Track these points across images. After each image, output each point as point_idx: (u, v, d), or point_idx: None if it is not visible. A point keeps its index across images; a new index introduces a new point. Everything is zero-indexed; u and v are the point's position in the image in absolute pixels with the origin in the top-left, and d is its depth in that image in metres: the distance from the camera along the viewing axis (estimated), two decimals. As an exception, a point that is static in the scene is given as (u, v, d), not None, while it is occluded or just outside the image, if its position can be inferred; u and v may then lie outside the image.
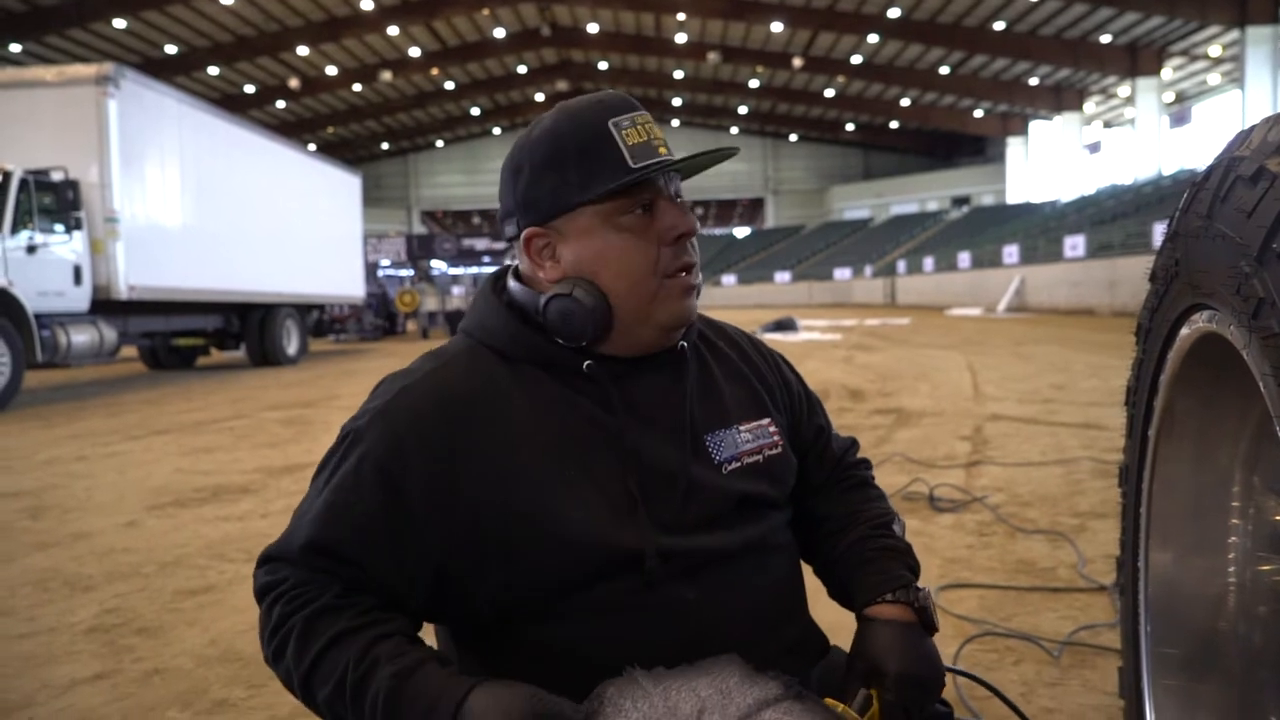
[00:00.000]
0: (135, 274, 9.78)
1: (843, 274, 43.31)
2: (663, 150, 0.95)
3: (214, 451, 5.46)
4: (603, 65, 44.79)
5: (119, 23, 30.20)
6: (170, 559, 3.10)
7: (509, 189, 0.99)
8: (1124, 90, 35.04)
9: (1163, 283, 1.01)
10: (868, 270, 41.95)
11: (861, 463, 1.20)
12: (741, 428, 1.03)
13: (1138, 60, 32.09)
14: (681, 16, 35.29)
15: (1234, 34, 27.29)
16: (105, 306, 9.66)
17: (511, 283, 1.01)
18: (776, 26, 34.58)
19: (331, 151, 41.26)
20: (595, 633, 0.90)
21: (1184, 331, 0.95)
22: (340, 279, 16.32)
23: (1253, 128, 0.79)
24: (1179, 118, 37.05)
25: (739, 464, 1.00)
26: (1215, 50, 31.36)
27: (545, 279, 0.97)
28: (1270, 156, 0.69)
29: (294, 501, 3.94)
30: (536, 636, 0.92)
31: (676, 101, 49.71)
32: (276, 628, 0.88)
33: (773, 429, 1.06)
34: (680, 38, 38.26)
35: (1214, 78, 35.32)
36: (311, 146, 32.17)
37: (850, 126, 50.83)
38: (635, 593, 0.91)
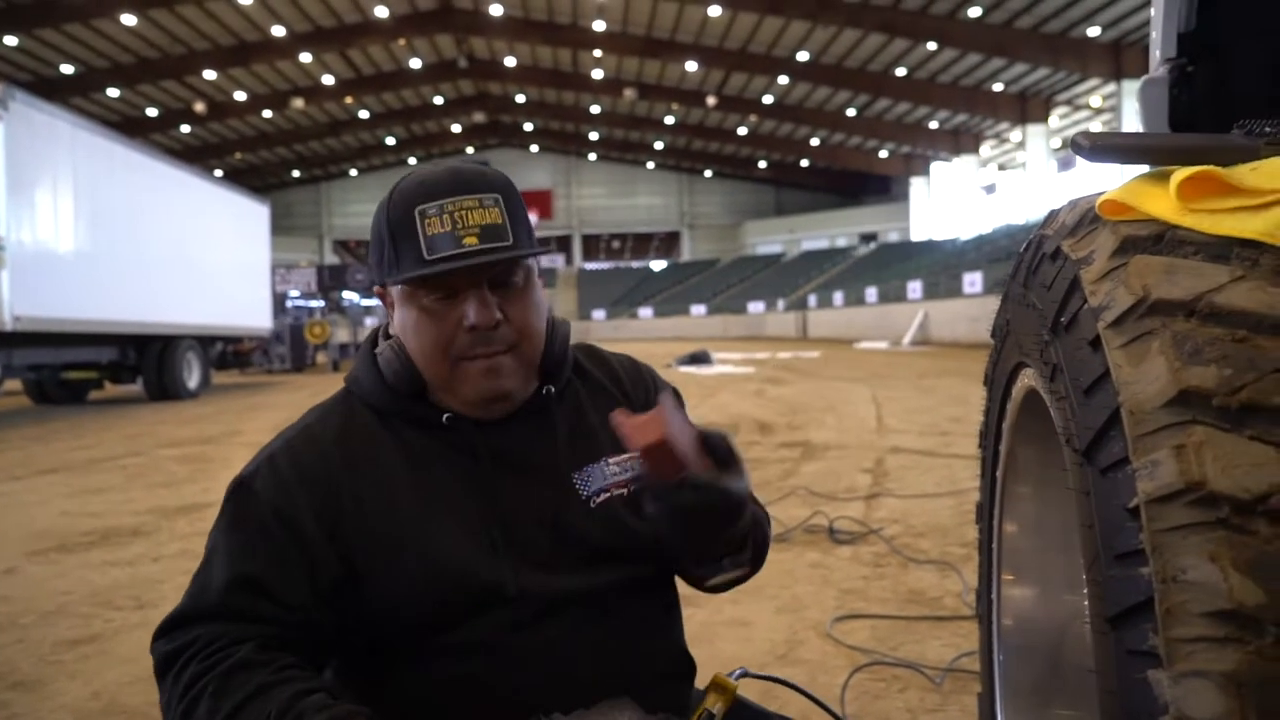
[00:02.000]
0: (22, 304, 9.29)
1: (756, 307, 44.21)
2: (469, 240, 0.94)
3: (104, 491, 5.22)
4: (520, 98, 45.00)
5: (10, 40, 28.85)
6: (52, 608, 2.96)
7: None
8: (1016, 135, 37.12)
9: (999, 339, 1.12)
10: (780, 304, 42.93)
11: None
12: (610, 460, 1.06)
13: (1027, 108, 34.10)
14: (598, 53, 35.84)
15: (1112, 86, 29.32)
16: (-12, 338, 9.16)
17: (386, 352, 1.05)
18: (691, 65, 35.46)
19: (240, 178, 40.11)
20: (467, 672, 0.95)
21: (1017, 385, 1.05)
22: (246, 310, 15.82)
23: (1060, 208, 0.89)
24: (1065, 162, 39.36)
25: (607, 494, 1.04)
26: (1096, 100, 33.63)
27: (394, 331, 1.04)
28: (1065, 238, 0.79)
29: (189, 544, 3.81)
30: (413, 676, 0.96)
31: (594, 136, 50.26)
32: (188, 688, 0.86)
33: None
34: (597, 74, 38.81)
35: (1095, 126, 37.76)
36: (218, 173, 31.32)
37: (763, 164, 52.25)
38: (502, 631, 0.95)
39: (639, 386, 1.16)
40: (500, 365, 0.98)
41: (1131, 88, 27.10)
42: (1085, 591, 1.29)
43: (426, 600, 0.94)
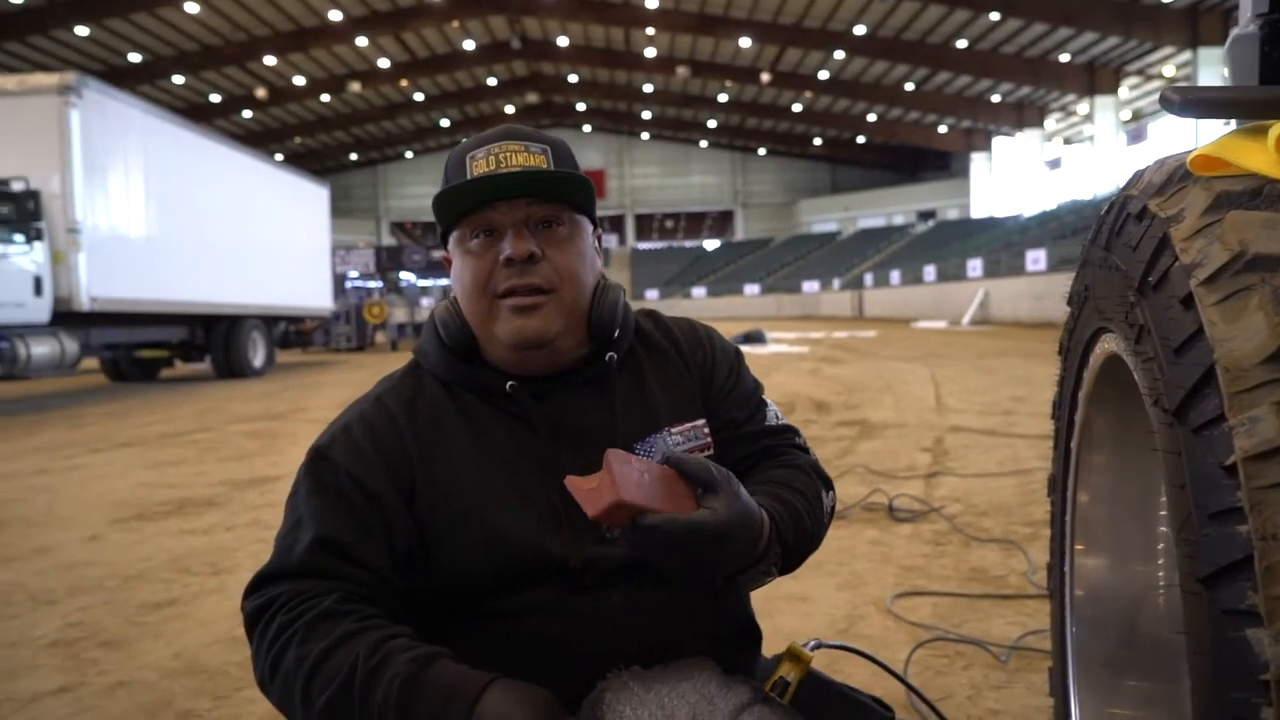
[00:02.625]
0: (98, 285, 9.65)
1: (811, 287, 43.73)
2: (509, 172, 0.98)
3: (179, 464, 5.42)
4: (573, 78, 44.98)
5: (82, 30, 29.81)
6: (134, 573, 3.09)
7: None
8: (1083, 108, 35.89)
9: (1077, 306, 1.10)
10: (835, 283, 42.41)
11: (796, 445, 1.18)
12: (673, 430, 1.05)
13: (1096, 79, 32.90)
14: (651, 31, 35.59)
15: (1186, 54, 28.10)
16: (67, 318, 9.52)
17: (440, 309, 1.09)
18: (745, 41, 35.00)
19: (299, 162, 40.93)
20: (527, 633, 0.97)
21: (1095, 352, 1.03)
22: (308, 290, 16.19)
23: (1146, 168, 0.87)
24: (1136, 135, 37.97)
25: None
26: (1169, 70, 32.26)
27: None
28: (1152, 197, 0.77)
29: (260, 515, 3.94)
30: (473, 636, 0.98)
31: (646, 115, 50.04)
32: (275, 638, 0.89)
33: (706, 430, 1.08)
34: (650, 52, 38.56)
35: (1170, 96, 36.27)
36: (279, 157, 31.90)
37: (818, 141, 51.47)
38: (562, 596, 0.97)
39: (696, 350, 1.14)
40: (534, 304, 0.98)
41: (1209, 55, 26.00)
42: (1162, 560, 1.28)
43: (489, 568, 0.97)
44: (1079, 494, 1.26)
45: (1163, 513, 1.26)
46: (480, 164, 0.99)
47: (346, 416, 1.05)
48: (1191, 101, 0.72)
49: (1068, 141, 43.27)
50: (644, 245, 59.60)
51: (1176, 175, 0.75)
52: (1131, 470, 1.19)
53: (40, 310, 9.05)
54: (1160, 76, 33.24)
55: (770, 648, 1.16)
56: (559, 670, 0.92)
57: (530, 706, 0.80)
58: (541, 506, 0.99)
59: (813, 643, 1.00)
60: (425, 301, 26.62)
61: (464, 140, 1.06)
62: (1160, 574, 1.26)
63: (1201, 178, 0.71)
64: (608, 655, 0.95)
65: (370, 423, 1.03)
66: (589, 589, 0.97)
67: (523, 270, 0.97)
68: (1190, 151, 0.74)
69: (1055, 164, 42.40)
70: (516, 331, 0.98)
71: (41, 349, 8.99)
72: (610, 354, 1.06)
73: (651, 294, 48.43)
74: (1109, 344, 0.95)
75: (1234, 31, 1.11)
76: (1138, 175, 0.87)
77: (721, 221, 60.90)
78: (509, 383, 1.02)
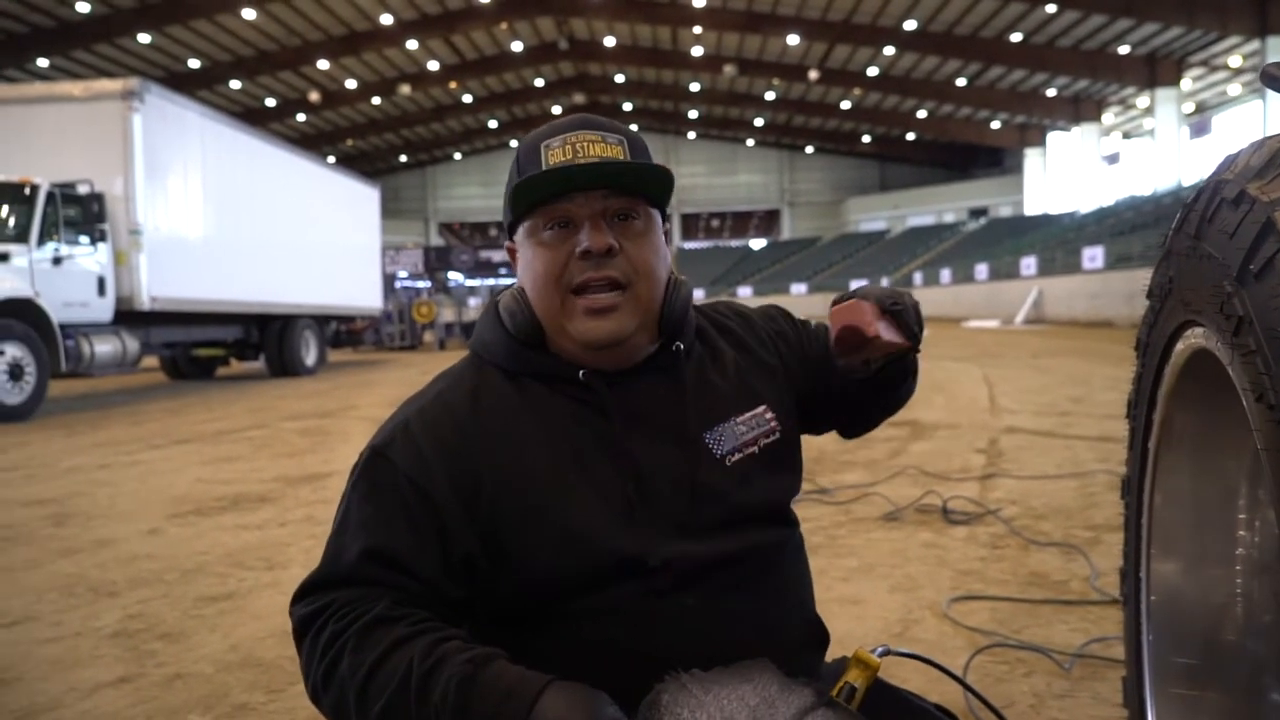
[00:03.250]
0: (158, 285, 9.92)
1: (859, 286, 43.18)
2: (586, 162, 0.96)
3: (234, 461, 5.53)
4: (619, 78, 45.06)
5: (144, 38, 30.72)
6: (191, 566, 3.15)
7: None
8: (1143, 101, 34.87)
9: (1158, 299, 1.04)
10: (884, 282, 41.67)
11: None
12: (738, 420, 1.05)
13: (1157, 71, 31.93)
14: (698, 30, 35.47)
15: (1254, 44, 27.13)
16: (128, 317, 9.79)
17: (512, 295, 1.06)
18: (793, 39, 34.69)
19: (350, 164, 41.65)
20: (602, 638, 0.94)
21: (1179, 347, 0.98)
22: (359, 290, 16.45)
23: (1239, 151, 0.81)
24: (1199, 128, 36.80)
25: (740, 454, 1.03)
26: (1236, 60, 31.16)
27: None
28: (1251, 181, 0.72)
29: (312, 511, 3.99)
30: (545, 641, 0.95)
31: (693, 114, 49.91)
32: (327, 647, 0.88)
33: (769, 415, 1.07)
34: (697, 50, 38.44)
35: (1234, 88, 35.07)
36: (331, 159, 32.52)
37: (866, 138, 50.82)
38: (636, 599, 0.94)
39: (758, 336, 1.16)
40: (610, 305, 0.96)
41: (1279, 44, 25.07)
42: (1240, 566, 1.21)
43: (565, 570, 0.93)
44: (1155, 496, 1.20)
45: (1242, 516, 1.19)
46: (556, 153, 0.96)
47: (404, 413, 1.01)
48: (1297, 75, 0.67)
49: (1126, 136, 42.09)
50: (690, 245, 59.46)
51: (1279, 158, 0.70)
52: (1214, 471, 1.13)
53: (104, 310, 9.33)
54: (1226, 67, 32.14)
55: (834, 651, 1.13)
56: (620, 674, 0.89)
57: (588, 709, 0.78)
58: (616, 501, 0.95)
59: (881, 649, 0.96)
60: (473, 301, 26.90)
61: (534, 130, 1.03)
62: (1239, 581, 1.19)
63: (1309, 157, 0.66)
64: (672, 660, 0.91)
65: (431, 420, 0.98)
66: (664, 592, 0.94)
67: (599, 263, 0.95)
68: (1294, 130, 0.69)
69: (1113, 159, 41.29)
70: (590, 333, 0.97)
71: (104, 347, 9.26)
72: (677, 344, 1.04)
73: (698, 293, 48.03)
74: (1196, 338, 0.90)
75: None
76: (1231, 159, 0.82)
77: (768, 220, 60.47)
78: (581, 371, 0.99)
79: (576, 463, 0.97)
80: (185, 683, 2.13)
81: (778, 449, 1.07)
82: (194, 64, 33.74)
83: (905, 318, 1.05)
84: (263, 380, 13.00)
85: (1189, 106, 34.04)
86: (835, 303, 1.09)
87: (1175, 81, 32.10)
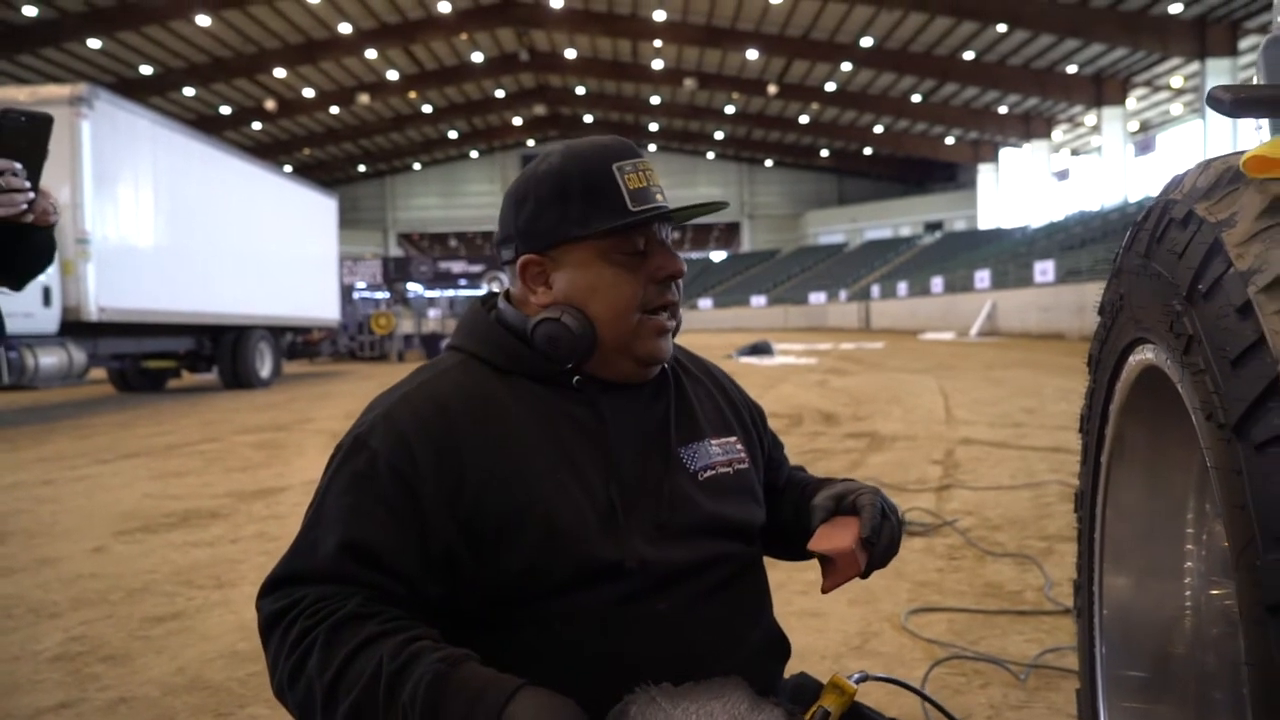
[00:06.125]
0: (106, 296, 9.67)
1: (818, 298, 43.67)
2: (659, 197, 1.03)
3: (184, 475, 5.40)
4: (580, 90, 45.13)
5: (94, 43, 30.05)
6: (138, 585, 3.06)
7: (511, 216, 1.05)
8: (1090, 119, 35.85)
9: (1109, 316, 1.06)
10: (842, 295, 42.33)
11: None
12: (712, 441, 1.09)
13: (1103, 90, 32.88)
14: (658, 43, 35.71)
15: (1194, 65, 28.07)
16: (75, 328, 9.52)
17: (502, 304, 1.08)
18: (751, 54, 35.08)
19: (308, 173, 41.12)
20: (573, 640, 0.93)
21: (1130, 363, 0.99)
22: (315, 301, 16.21)
23: (1186, 172, 0.83)
24: (1144, 146, 37.90)
25: (712, 472, 1.06)
26: (1177, 81, 32.23)
27: (536, 303, 1.03)
28: (1199, 201, 0.73)
29: (265, 527, 3.90)
30: (515, 643, 0.94)
31: (653, 126, 50.14)
32: (296, 643, 0.86)
33: (739, 446, 1.12)
34: (657, 64, 38.67)
35: (1176, 107, 36.23)
36: (288, 168, 32.11)
37: (825, 152, 51.50)
38: (610, 603, 0.94)
39: (726, 383, 1.21)
40: (668, 326, 1.04)
41: (1217, 66, 25.98)
42: (1189, 579, 1.23)
43: (544, 567, 0.93)
44: (1108, 510, 1.21)
45: (1190, 530, 1.22)
46: (632, 178, 1.01)
47: (385, 403, 0.99)
48: (1243, 100, 0.69)
49: (1075, 153, 43.20)
50: (651, 256, 59.56)
51: (1226, 178, 0.72)
52: (1167, 486, 1.15)
53: (49, 320, 9.06)
54: (1168, 88, 33.21)
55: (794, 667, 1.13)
56: (590, 679, 0.89)
57: (559, 715, 0.78)
58: (600, 503, 0.96)
59: (857, 675, 0.96)
60: (432, 313, 26.61)
61: (567, 146, 1.06)
62: (1188, 594, 1.21)
63: (1255, 180, 0.67)
64: (642, 665, 0.91)
65: (415, 408, 0.96)
66: (638, 596, 0.94)
67: (671, 288, 1.04)
68: (1240, 153, 0.71)
69: (1063, 175, 42.33)
70: (658, 351, 1.03)
71: (49, 359, 8.98)
72: (667, 364, 1.10)
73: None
74: (1147, 355, 0.91)
75: (1266, 38, 1.08)
76: (1178, 180, 0.83)
77: (728, 233, 60.91)
78: (575, 377, 1.02)
79: (566, 458, 0.97)
80: (130, 707, 2.06)
81: (746, 476, 1.11)
82: (146, 70, 33.05)
83: (875, 552, 1.05)
84: (216, 393, 12.72)
85: (1134, 125, 35.05)
86: (827, 514, 1.08)
87: (1120, 101, 33.09)
